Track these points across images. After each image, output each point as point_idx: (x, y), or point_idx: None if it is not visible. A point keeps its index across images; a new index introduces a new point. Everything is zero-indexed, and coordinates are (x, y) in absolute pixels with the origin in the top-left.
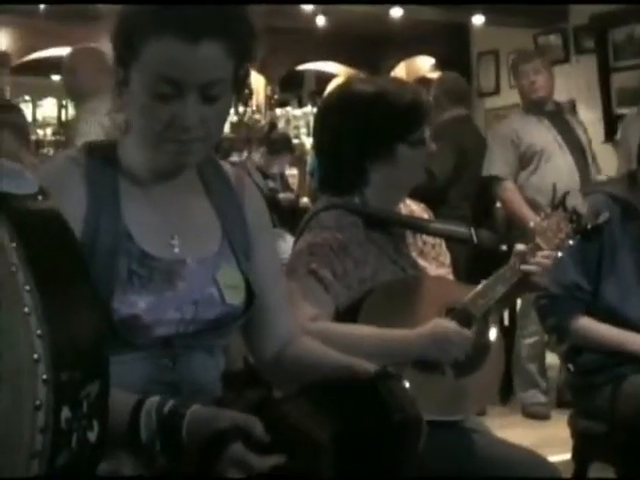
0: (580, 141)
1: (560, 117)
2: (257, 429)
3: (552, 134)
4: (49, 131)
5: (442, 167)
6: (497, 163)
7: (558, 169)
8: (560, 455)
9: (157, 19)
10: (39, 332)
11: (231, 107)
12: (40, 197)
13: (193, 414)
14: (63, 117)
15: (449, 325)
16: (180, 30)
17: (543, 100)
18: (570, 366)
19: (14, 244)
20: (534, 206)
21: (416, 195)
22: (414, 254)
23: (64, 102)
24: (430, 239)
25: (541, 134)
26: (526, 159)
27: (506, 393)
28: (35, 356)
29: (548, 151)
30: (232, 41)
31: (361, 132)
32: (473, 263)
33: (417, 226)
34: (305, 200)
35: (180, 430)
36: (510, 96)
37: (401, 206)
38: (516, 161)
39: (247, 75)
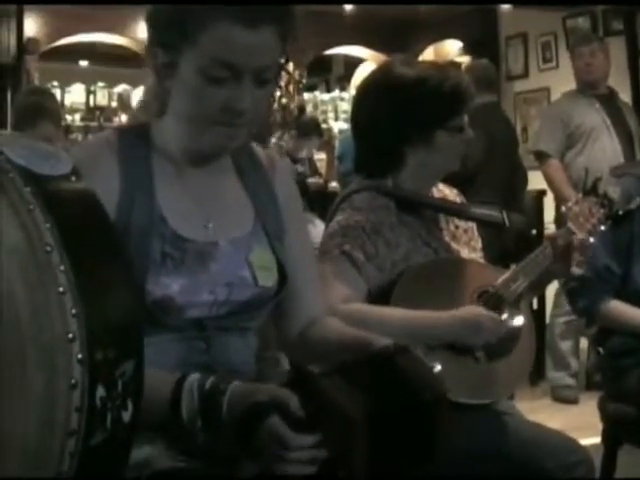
0: (629, 126)
1: (611, 101)
2: (293, 403)
3: (601, 116)
4: (77, 117)
5: (473, 152)
6: (545, 139)
7: (604, 151)
8: (589, 439)
9: (217, 5)
10: (74, 311)
11: (274, 91)
12: (73, 178)
13: (233, 390)
14: (91, 103)
15: (481, 311)
16: (240, 15)
17: (596, 82)
18: (599, 349)
19: (48, 225)
20: (577, 187)
21: (446, 180)
22: (447, 238)
23: (92, 88)
24: (462, 224)
25: (590, 115)
26: (574, 138)
27: (536, 376)
28: (70, 335)
29: (596, 132)
30: (283, 26)
31: (400, 116)
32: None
33: (450, 210)
34: (334, 184)
35: (221, 406)
36: (539, 79)
37: (434, 190)
38: (564, 139)
39: (287, 59)
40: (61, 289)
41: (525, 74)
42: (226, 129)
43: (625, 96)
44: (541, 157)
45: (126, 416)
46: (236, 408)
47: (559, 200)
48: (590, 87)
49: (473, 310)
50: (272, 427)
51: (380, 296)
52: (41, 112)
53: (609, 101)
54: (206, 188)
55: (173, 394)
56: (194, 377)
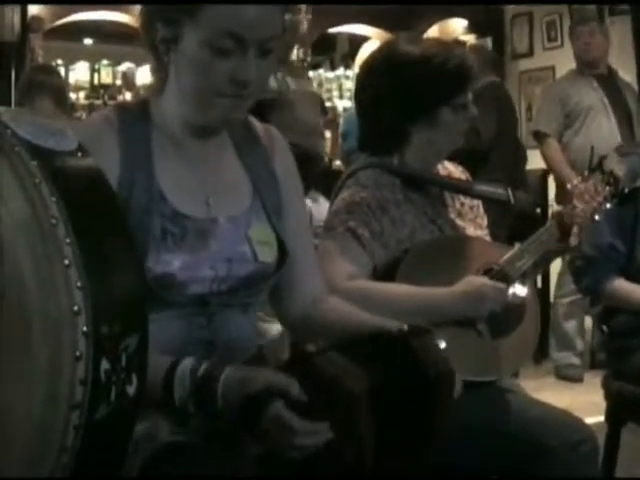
0: (627, 106)
1: (611, 81)
2: (293, 388)
3: (599, 95)
4: (82, 95)
5: (487, 129)
6: (543, 119)
7: (601, 130)
8: (593, 417)
9: None
10: (79, 284)
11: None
12: (79, 154)
13: (227, 377)
14: (95, 81)
15: (483, 280)
16: None
17: (595, 62)
18: (604, 328)
19: (54, 198)
20: (575, 166)
21: (461, 156)
22: (452, 216)
23: (96, 66)
24: (468, 201)
25: (588, 94)
26: (572, 118)
27: (540, 354)
28: (75, 308)
29: (593, 111)
30: None
31: (405, 93)
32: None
33: (455, 187)
34: (338, 163)
35: (215, 394)
36: (544, 58)
37: (439, 167)
38: (562, 119)
39: (285, 31)
40: (67, 262)
41: (530, 53)
42: (232, 100)
43: (630, 76)
44: (540, 137)
45: (131, 390)
46: (231, 396)
47: (558, 180)
48: (589, 67)
49: (474, 281)
50: (277, 414)
51: (385, 273)
52: (42, 89)
53: (608, 81)
54: (205, 165)
55: (165, 379)
56: (187, 362)
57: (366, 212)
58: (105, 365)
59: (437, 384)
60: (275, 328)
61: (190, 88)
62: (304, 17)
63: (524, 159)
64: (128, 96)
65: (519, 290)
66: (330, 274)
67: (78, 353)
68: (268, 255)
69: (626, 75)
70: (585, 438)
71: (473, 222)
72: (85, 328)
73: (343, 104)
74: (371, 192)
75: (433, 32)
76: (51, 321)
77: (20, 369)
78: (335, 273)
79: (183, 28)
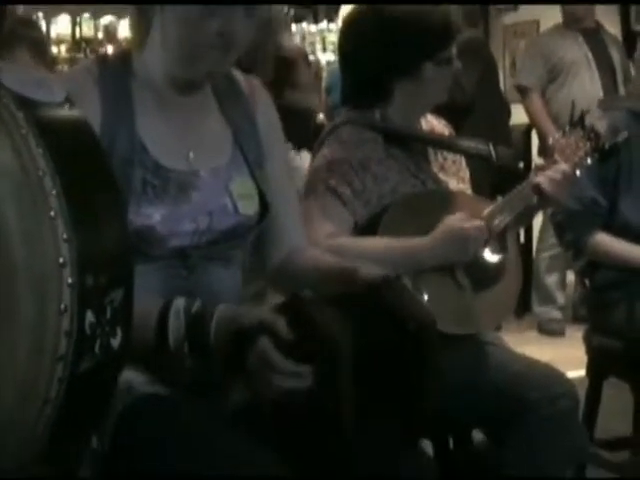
0: (611, 60)
1: (596, 36)
2: (281, 327)
3: (583, 50)
4: (63, 48)
5: (469, 84)
6: (527, 73)
7: (583, 85)
8: (575, 371)
9: None
10: (65, 236)
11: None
12: (67, 105)
13: (220, 313)
14: (77, 34)
15: (460, 218)
16: None
17: (581, 16)
18: (586, 282)
19: (41, 150)
20: (558, 121)
21: (444, 110)
22: (435, 170)
23: (78, 19)
24: (450, 155)
25: (572, 49)
26: (555, 72)
27: (522, 309)
28: (61, 260)
29: (576, 66)
30: None
31: (387, 48)
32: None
33: (437, 143)
34: (321, 117)
35: (208, 329)
36: (528, 12)
37: (422, 122)
38: (545, 73)
39: None
40: (52, 214)
41: (514, 7)
42: (218, 53)
43: (615, 30)
44: (523, 91)
45: (115, 343)
46: (224, 331)
47: (541, 133)
48: (575, 21)
49: (452, 222)
50: (262, 350)
51: (367, 230)
52: (23, 42)
53: (594, 35)
54: (186, 118)
55: (159, 318)
56: (180, 301)
57: (347, 170)
58: (90, 318)
59: (418, 337)
60: None
61: (176, 42)
62: None
63: (508, 113)
64: (110, 49)
65: (502, 251)
66: (311, 233)
67: (63, 305)
68: (249, 208)
69: (610, 29)
70: (565, 392)
71: (456, 176)
72: (70, 280)
73: (326, 57)
74: (352, 150)
75: None
76: (36, 273)
77: (5, 321)
78: (317, 232)
79: None
